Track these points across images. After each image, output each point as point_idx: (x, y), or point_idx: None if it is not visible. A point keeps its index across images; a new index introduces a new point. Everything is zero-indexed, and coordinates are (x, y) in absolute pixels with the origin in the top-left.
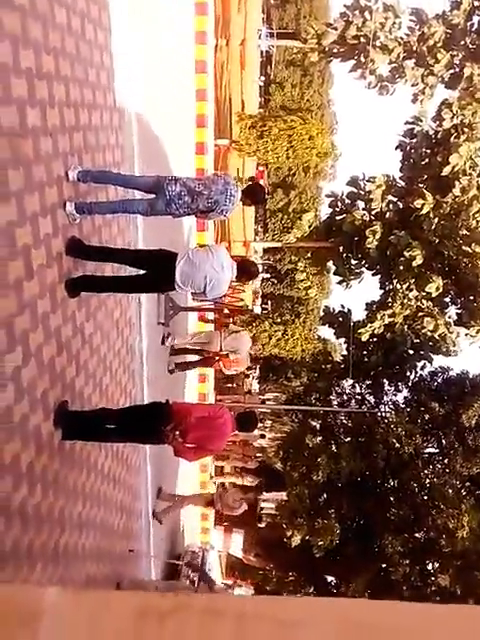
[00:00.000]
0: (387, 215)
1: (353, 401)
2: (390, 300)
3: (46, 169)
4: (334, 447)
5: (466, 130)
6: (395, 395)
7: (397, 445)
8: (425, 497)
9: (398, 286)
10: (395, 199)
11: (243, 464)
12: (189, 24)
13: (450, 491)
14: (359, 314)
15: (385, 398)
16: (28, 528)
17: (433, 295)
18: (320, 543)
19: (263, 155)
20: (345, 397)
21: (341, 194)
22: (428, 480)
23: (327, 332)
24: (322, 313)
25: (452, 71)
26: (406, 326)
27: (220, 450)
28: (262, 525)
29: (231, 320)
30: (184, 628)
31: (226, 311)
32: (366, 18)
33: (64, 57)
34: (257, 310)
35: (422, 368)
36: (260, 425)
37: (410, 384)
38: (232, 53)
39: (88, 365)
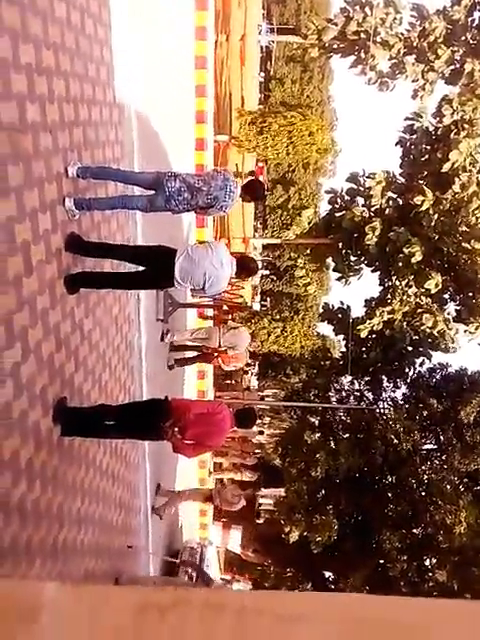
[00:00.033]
0: (387, 211)
1: (352, 397)
2: (389, 297)
3: (45, 165)
4: (333, 443)
5: (466, 126)
6: (394, 391)
7: (395, 441)
8: (423, 493)
9: (397, 283)
10: (395, 195)
11: (242, 460)
12: (189, 20)
13: (448, 487)
14: (358, 311)
15: (384, 394)
16: (27, 524)
17: (432, 292)
18: (318, 539)
19: (263, 151)
20: (344, 394)
21: (341, 190)
22: (426, 476)
23: (326, 329)
24: (321, 310)
25: (453, 67)
26: (405, 323)
27: (219, 446)
28: (260, 521)
29: (230, 317)
30: (184, 622)
31: (225, 308)
32: (367, 14)
33: (64, 52)
34: (256, 307)
35: (421, 365)
36: (259, 421)
37: (409, 381)
38: (232, 49)
39: (87, 361)
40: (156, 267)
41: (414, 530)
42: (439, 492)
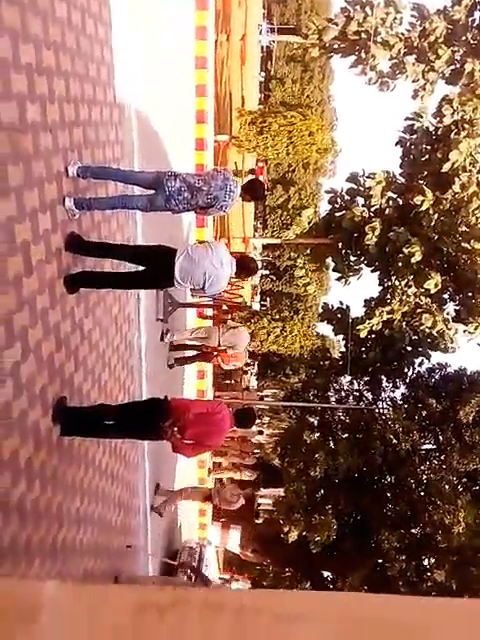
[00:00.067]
0: (386, 211)
1: (351, 397)
2: (389, 297)
3: (46, 165)
4: (332, 443)
5: (466, 126)
6: (393, 391)
7: (394, 441)
8: (422, 493)
9: (397, 283)
10: (395, 195)
11: (241, 460)
12: (189, 19)
13: (447, 487)
14: (357, 311)
15: (383, 394)
16: (26, 523)
17: (432, 292)
18: (317, 539)
19: (263, 151)
20: (343, 393)
21: (341, 190)
22: (425, 476)
23: (325, 329)
24: (321, 310)
25: (453, 67)
26: (404, 323)
27: (218, 446)
28: (259, 521)
29: (229, 316)
30: (183, 622)
31: (225, 307)
32: (367, 14)
33: (64, 52)
34: (256, 306)
35: (420, 365)
36: (258, 421)
37: (408, 381)
38: (232, 49)
39: (87, 361)
40: (156, 267)
41: (413, 530)
42: (438, 492)
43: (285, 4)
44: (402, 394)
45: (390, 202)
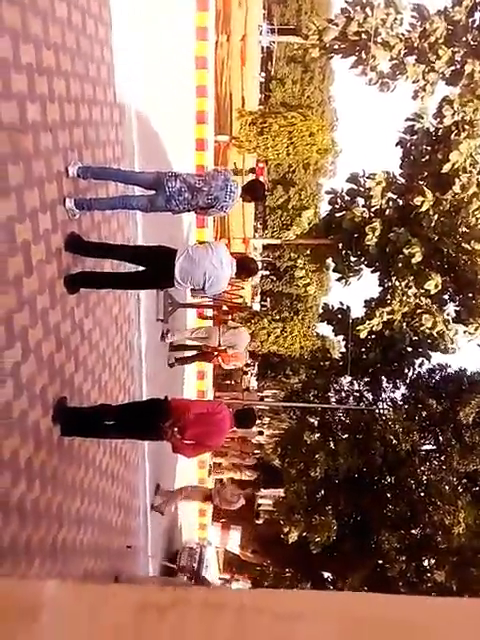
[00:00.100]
0: (387, 212)
1: (351, 398)
2: (389, 297)
3: (46, 165)
4: (332, 444)
5: (467, 127)
6: (393, 392)
7: (394, 442)
8: (422, 494)
9: (397, 283)
10: (395, 196)
11: (241, 461)
12: (190, 20)
13: (447, 488)
14: (358, 311)
15: (383, 395)
16: (26, 523)
17: (432, 292)
18: (317, 539)
19: (263, 152)
20: (343, 394)
21: (341, 191)
22: (425, 477)
23: (326, 329)
24: (321, 310)
25: (453, 68)
26: (405, 323)
27: (218, 446)
28: (259, 521)
29: (230, 317)
30: (184, 621)
31: (225, 308)
32: (367, 14)
33: (64, 52)
34: (256, 307)
35: (420, 365)
36: (258, 422)
37: (408, 381)
38: (233, 49)
39: (87, 361)
40: (156, 267)
41: (413, 530)
42: (438, 493)
43: (285, 5)
44: (402, 395)
45: (390, 203)
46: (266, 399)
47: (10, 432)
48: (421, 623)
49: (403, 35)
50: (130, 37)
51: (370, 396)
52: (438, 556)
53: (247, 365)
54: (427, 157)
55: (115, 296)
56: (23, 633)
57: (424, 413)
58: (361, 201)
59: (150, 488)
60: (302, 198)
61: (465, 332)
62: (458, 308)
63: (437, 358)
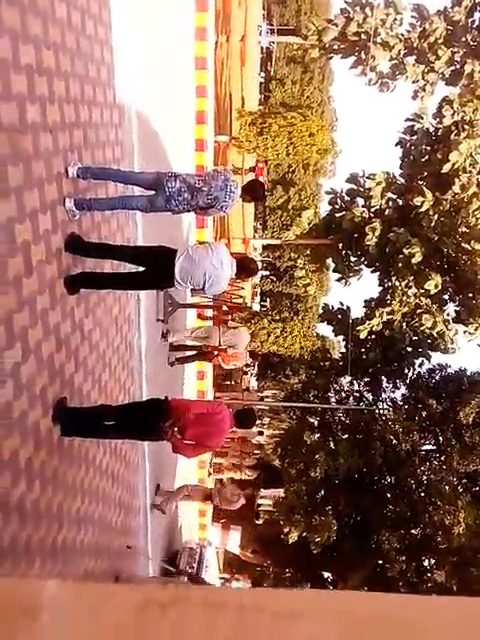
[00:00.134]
0: (386, 212)
1: (351, 398)
2: (389, 297)
3: (46, 165)
4: (332, 444)
5: (466, 127)
6: (393, 392)
7: (394, 442)
8: (422, 494)
9: (397, 283)
10: (395, 196)
11: (241, 461)
12: (189, 20)
13: (447, 488)
14: (358, 311)
15: (383, 395)
16: (26, 524)
17: (432, 292)
18: (317, 540)
19: (263, 152)
20: (343, 394)
21: (341, 191)
22: (425, 477)
23: (326, 329)
24: (321, 310)
25: (453, 68)
26: (405, 323)
27: (219, 447)
28: (260, 522)
29: (230, 317)
30: (184, 620)
31: (225, 308)
32: (367, 14)
33: (64, 53)
34: (256, 307)
35: (420, 365)
36: (258, 422)
37: (408, 381)
38: (232, 49)
39: (87, 361)
40: (156, 267)
41: (413, 531)
42: (438, 493)
43: (285, 5)
44: (402, 395)
45: (390, 203)
46: (266, 399)
47: (10, 432)
48: (421, 622)
49: (403, 35)
50: (130, 38)
51: (370, 396)
52: (438, 556)
53: (247, 365)
54: (427, 157)
55: (115, 296)
56: (23, 633)
57: (424, 413)
58: (361, 201)
59: (150, 488)
60: (302, 198)
61: (465, 332)
62: (458, 308)
63: (437, 358)
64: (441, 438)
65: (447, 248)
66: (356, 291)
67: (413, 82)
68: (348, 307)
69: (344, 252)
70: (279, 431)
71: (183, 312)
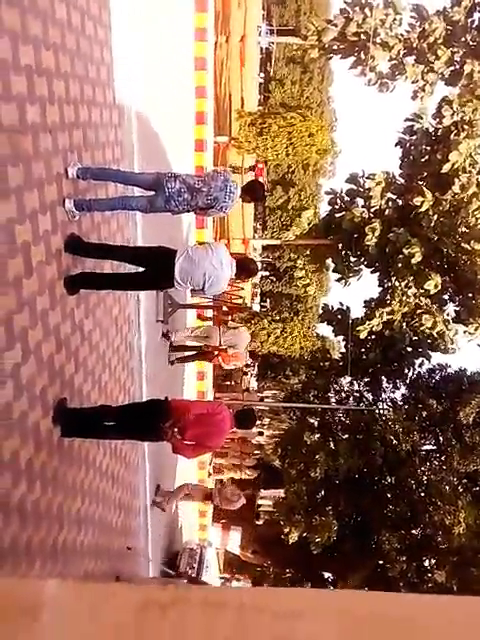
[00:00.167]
0: (386, 212)
1: (351, 398)
2: (389, 297)
3: (45, 166)
4: (332, 444)
5: (466, 127)
6: (393, 392)
7: (395, 442)
8: (422, 494)
9: (397, 283)
10: (394, 196)
11: (241, 461)
12: (189, 21)
13: (447, 488)
14: (358, 311)
15: (383, 395)
16: (27, 524)
17: (432, 292)
18: (317, 540)
19: (262, 152)
20: (343, 394)
21: (340, 191)
22: (425, 477)
23: (326, 330)
24: (321, 311)
25: (452, 68)
26: (404, 323)
27: (219, 447)
28: (260, 522)
29: (229, 317)
30: (185, 619)
31: (225, 308)
32: (366, 15)
33: (64, 53)
34: (256, 308)
35: (420, 365)
36: (258, 422)
37: (408, 381)
38: (232, 50)
39: (87, 362)
40: (156, 268)
41: (413, 531)
42: (438, 493)
43: (284, 5)
44: (402, 395)
45: (390, 203)
46: (266, 400)
47: (10, 433)
48: (421, 621)
49: (402, 35)
50: (129, 38)
51: (370, 396)
52: (438, 556)
53: (247, 366)
54: (426, 157)
55: (115, 297)
56: (24, 632)
57: (424, 413)
58: (361, 201)
59: (150, 489)
60: (302, 199)
61: (465, 332)
62: (458, 308)
63: (437, 358)
64: (441, 438)
65: (447, 248)
66: (356, 291)
67: (412, 82)
68: (348, 307)
69: (344, 252)
70: (279, 431)
71: (183, 312)
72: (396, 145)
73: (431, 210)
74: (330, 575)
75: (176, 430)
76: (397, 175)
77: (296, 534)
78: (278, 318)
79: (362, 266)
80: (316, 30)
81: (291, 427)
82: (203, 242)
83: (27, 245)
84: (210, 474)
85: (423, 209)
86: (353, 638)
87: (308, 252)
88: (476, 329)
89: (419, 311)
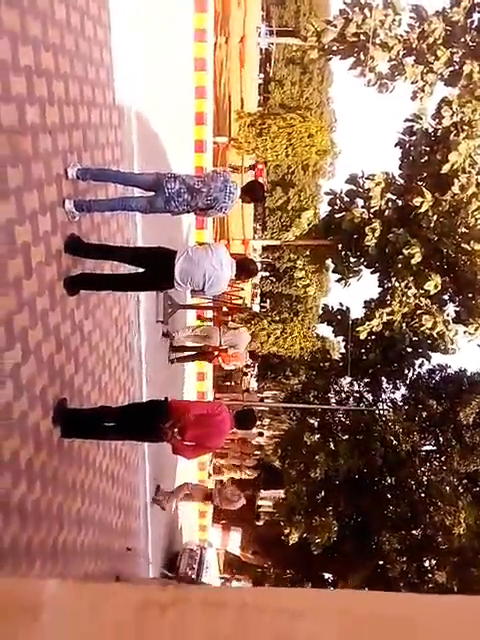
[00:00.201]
0: (386, 213)
1: (351, 399)
2: (389, 298)
3: (45, 167)
4: (332, 445)
5: (465, 128)
6: (393, 393)
7: (395, 443)
8: (422, 494)
9: (397, 284)
10: (394, 197)
11: (241, 462)
12: (188, 22)
13: (447, 488)
14: (358, 312)
15: (383, 396)
16: (27, 525)
17: (431, 293)
18: (318, 540)
19: (262, 153)
20: (343, 395)
21: (340, 192)
22: (425, 477)
23: (326, 330)
24: (321, 311)
25: (452, 68)
26: (404, 324)
27: (219, 448)
28: (260, 523)
29: (230, 318)
30: (185, 619)
31: (225, 309)
32: (366, 15)
33: (63, 54)
34: (256, 308)
35: (420, 366)
36: (258, 423)
37: (408, 382)
38: (231, 51)
39: (87, 363)
40: (156, 268)
41: (413, 531)
42: (438, 493)
43: (284, 6)
44: (402, 395)
45: (390, 203)
46: (266, 400)
47: (10, 433)
48: (422, 621)
49: (402, 36)
50: (129, 39)
51: (370, 397)
52: (439, 557)
53: (247, 366)
54: (426, 158)
55: (115, 298)
56: (24, 632)
57: (424, 414)
58: (360, 202)
59: (150, 489)
60: (301, 199)
61: (465, 332)
62: (458, 308)
63: (437, 359)
64: (441, 439)
65: (447, 248)
66: (356, 292)
67: (412, 83)
68: (348, 308)
69: (344, 253)
70: (279, 432)
71: (183, 313)
72: (396, 146)
73: (431, 210)
74: (330, 576)
75: (176, 431)
76: (397, 176)
77: (296, 535)
78: (278, 319)
79: (362, 267)
80: (316, 31)
81: (291, 428)
82: (203, 243)
83: (27, 246)
84: (210, 474)
85: (423, 210)
86: (353, 638)
87: (308, 253)
88: (476, 329)
89: (419, 311)
